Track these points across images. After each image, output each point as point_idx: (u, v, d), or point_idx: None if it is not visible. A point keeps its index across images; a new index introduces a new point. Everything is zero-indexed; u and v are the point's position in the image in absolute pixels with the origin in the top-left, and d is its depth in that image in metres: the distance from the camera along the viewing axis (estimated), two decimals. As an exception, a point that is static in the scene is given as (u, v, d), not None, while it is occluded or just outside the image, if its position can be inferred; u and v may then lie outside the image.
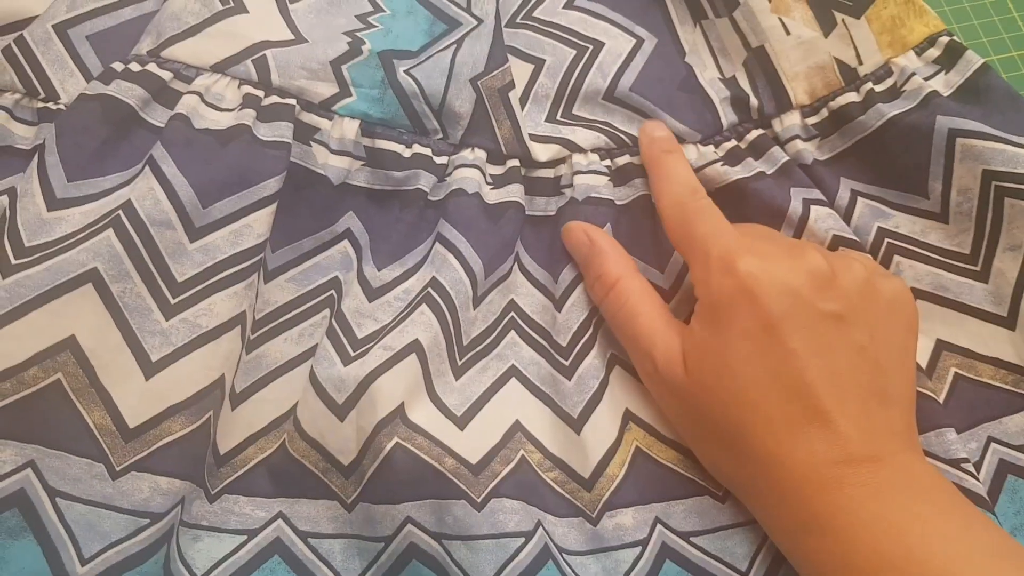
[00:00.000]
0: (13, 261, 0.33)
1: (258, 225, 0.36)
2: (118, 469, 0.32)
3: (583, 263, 0.38)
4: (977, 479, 0.35)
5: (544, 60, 0.43)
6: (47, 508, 0.31)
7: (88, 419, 0.32)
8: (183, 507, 0.34)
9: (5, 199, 0.35)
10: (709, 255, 0.33)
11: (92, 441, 0.32)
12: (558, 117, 0.43)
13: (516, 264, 0.41)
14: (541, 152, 0.41)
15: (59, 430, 0.32)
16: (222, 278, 0.35)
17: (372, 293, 0.38)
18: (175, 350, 0.34)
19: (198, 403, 0.34)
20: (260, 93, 0.38)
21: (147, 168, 0.35)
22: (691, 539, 0.36)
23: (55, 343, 0.32)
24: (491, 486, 0.35)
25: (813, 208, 0.39)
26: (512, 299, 0.40)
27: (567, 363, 0.38)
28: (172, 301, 0.34)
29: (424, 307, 0.36)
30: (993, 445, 0.37)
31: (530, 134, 0.41)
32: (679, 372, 0.33)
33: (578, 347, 0.38)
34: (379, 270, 0.39)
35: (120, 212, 0.34)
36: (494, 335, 0.39)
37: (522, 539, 0.34)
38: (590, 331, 0.39)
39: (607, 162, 0.42)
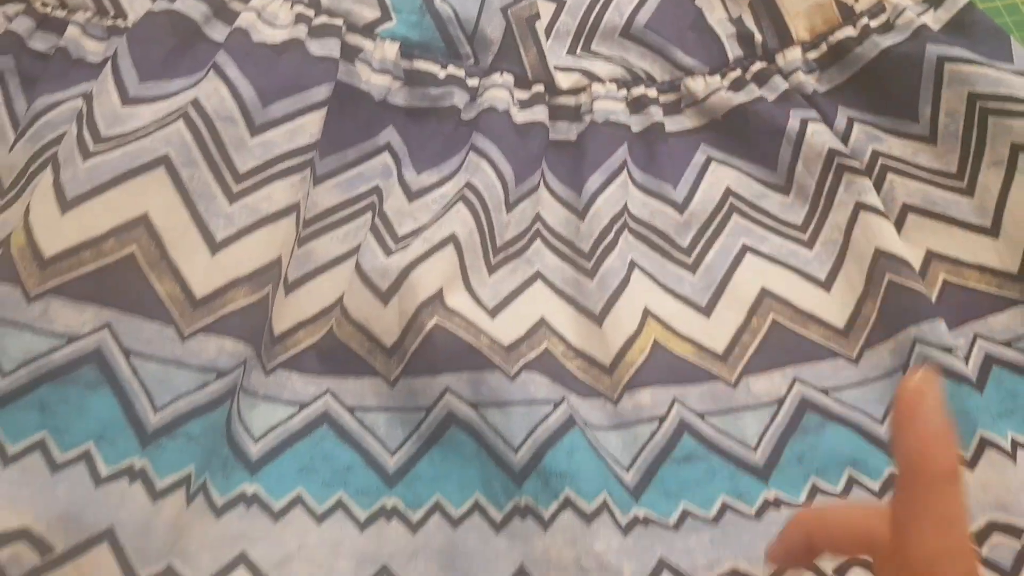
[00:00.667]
0: (92, 148, 0.36)
1: (311, 126, 0.39)
2: (187, 333, 0.35)
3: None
4: (965, 366, 0.38)
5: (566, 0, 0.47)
6: (122, 365, 0.34)
7: (159, 289, 0.35)
8: (244, 373, 0.36)
9: (81, 100, 0.38)
10: None
11: (163, 308, 0.35)
12: (578, 51, 0.46)
13: (542, 180, 0.44)
14: (563, 80, 0.45)
15: (133, 297, 0.35)
16: (280, 170, 0.38)
17: (412, 195, 0.42)
18: (238, 231, 0.37)
19: (259, 278, 0.37)
20: (311, 13, 0.42)
21: (211, 71, 0.38)
22: (705, 418, 0.39)
23: (130, 219, 0.35)
24: (521, 363, 0.38)
25: (810, 124, 0.43)
26: (539, 211, 0.43)
27: (589, 266, 0.42)
28: (235, 189, 0.37)
29: (460, 205, 0.40)
30: (979, 341, 0.40)
31: (553, 65, 0.45)
32: None
33: (599, 250, 0.42)
34: (418, 174, 0.42)
35: (189, 107, 0.37)
36: (523, 241, 0.43)
37: (551, 406, 0.37)
38: (610, 236, 0.42)
39: (623, 92, 0.46)
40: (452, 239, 0.39)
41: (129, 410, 0.33)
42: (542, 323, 0.41)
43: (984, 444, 0.36)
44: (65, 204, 0.34)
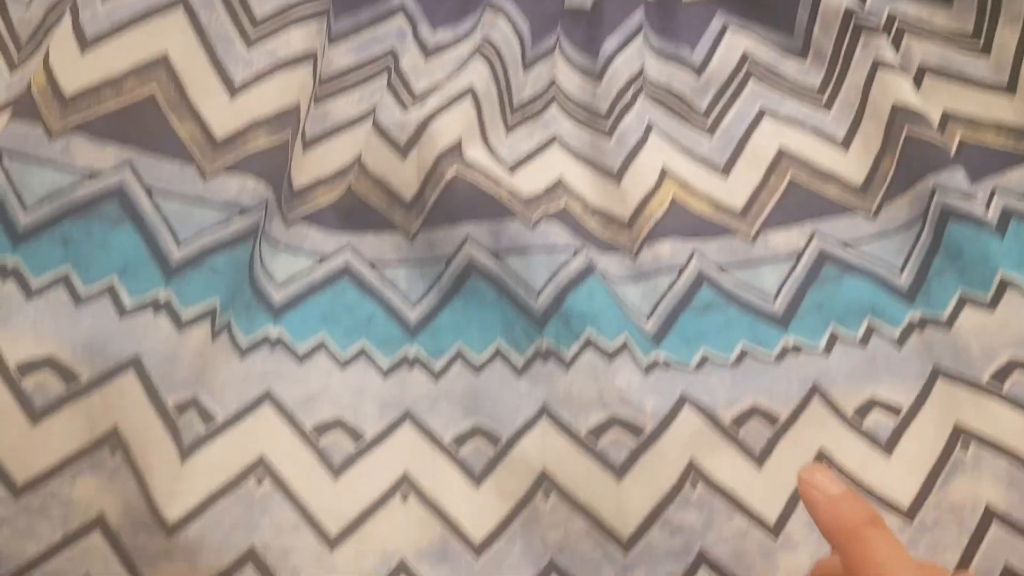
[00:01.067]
0: None
1: None
2: (208, 171, 0.35)
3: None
4: (985, 210, 0.38)
5: None
6: (143, 201, 0.34)
7: (180, 130, 0.35)
8: (265, 219, 0.36)
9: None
10: None
11: (184, 148, 0.35)
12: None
13: (558, 47, 0.44)
14: None
15: (154, 136, 0.35)
16: (296, 17, 0.38)
17: (428, 53, 0.42)
18: (256, 75, 0.37)
19: (278, 121, 0.37)
20: None
21: None
22: (724, 270, 0.39)
23: (149, 59, 0.35)
24: (540, 213, 0.38)
25: None
26: (555, 76, 0.43)
27: (607, 126, 0.42)
28: (252, 34, 0.37)
29: (478, 59, 0.40)
30: (998, 194, 0.40)
31: None
32: None
33: (617, 110, 0.42)
34: (434, 32, 0.42)
35: None
36: (540, 104, 0.42)
37: (571, 252, 0.37)
38: (628, 97, 0.42)
39: None
40: (470, 91, 0.39)
41: (152, 244, 0.33)
42: (559, 183, 0.40)
43: (1005, 285, 0.36)
44: (85, 43, 0.34)
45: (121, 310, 0.32)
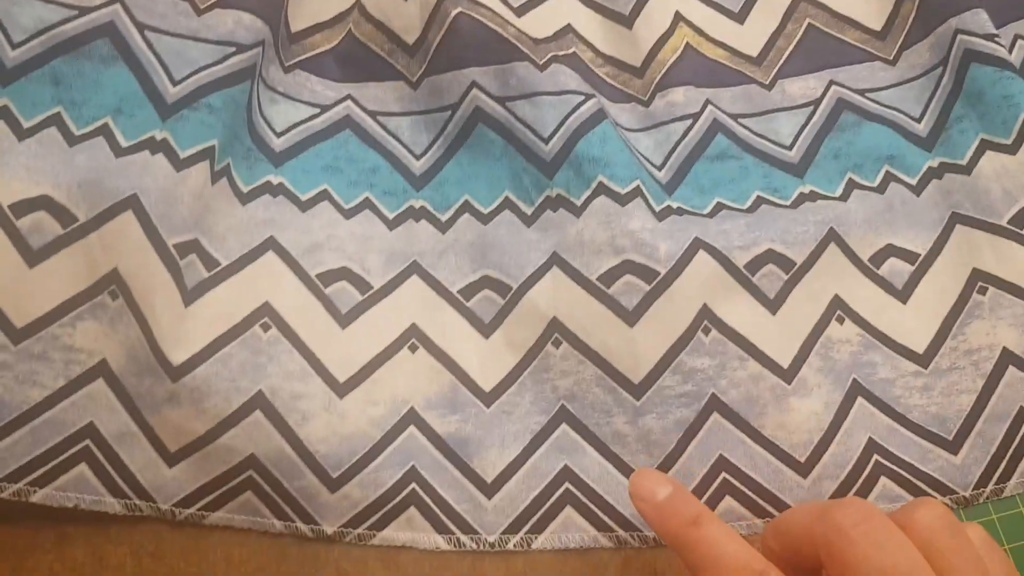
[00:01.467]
0: None
1: None
2: (202, 7, 0.33)
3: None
4: (1008, 53, 0.37)
5: None
6: (136, 39, 0.32)
7: None
8: (263, 62, 0.35)
9: None
10: None
11: None
12: None
13: None
14: None
15: (143, -27, 0.33)
16: None
17: None
18: None
19: None
20: None
21: None
22: (739, 119, 0.38)
23: None
24: (549, 55, 0.36)
25: None
26: None
27: None
28: None
29: None
30: (1020, 41, 0.39)
31: None
32: None
33: None
34: None
35: None
36: None
37: (582, 96, 0.35)
38: None
39: None
40: None
41: (146, 83, 0.32)
42: (569, 29, 0.39)
43: (1030, 126, 0.35)
44: None
45: (117, 149, 0.31)
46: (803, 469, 0.33)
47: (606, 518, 0.33)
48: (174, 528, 0.32)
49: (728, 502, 0.33)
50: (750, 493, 0.33)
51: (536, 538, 0.32)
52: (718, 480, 0.33)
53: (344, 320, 0.34)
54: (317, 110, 0.37)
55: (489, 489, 0.33)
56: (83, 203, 0.30)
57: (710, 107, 0.38)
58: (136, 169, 0.31)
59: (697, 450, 0.33)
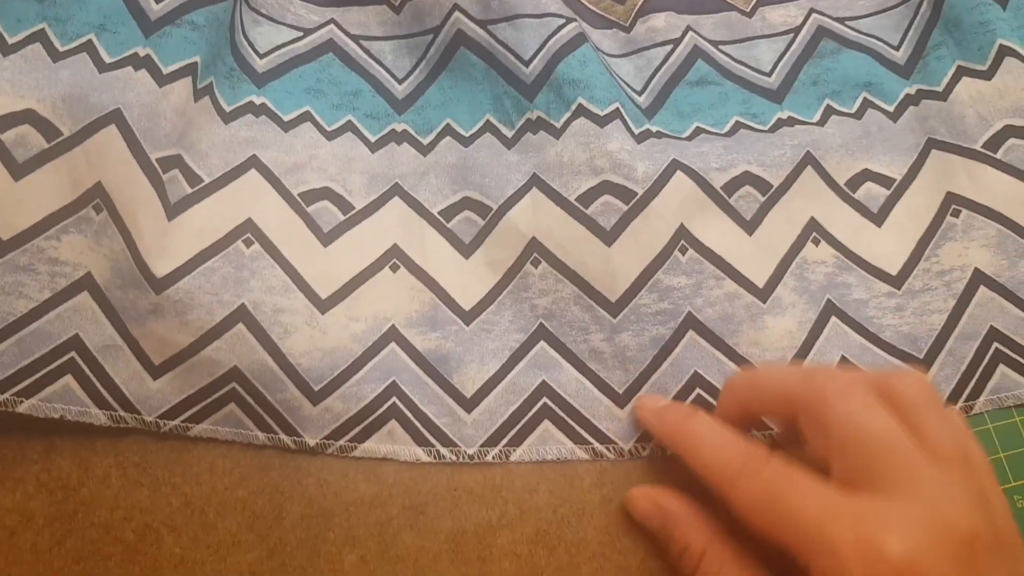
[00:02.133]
0: None
1: None
2: None
3: (661, 536, 0.31)
4: None
5: None
6: None
7: None
8: None
9: None
10: (837, 549, 0.23)
11: None
12: None
13: None
14: None
15: None
16: None
17: None
18: None
19: None
20: None
21: None
22: (719, 46, 0.38)
23: None
24: None
25: None
26: None
27: None
28: None
29: None
30: None
31: None
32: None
33: None
34: None
35: None
36: None
37: (562, 19, 0.35)
38: None
39: None
40: None
41: (130, 0, 0.32)
42: None
43: (1003, 52, 0.35)
44: None
45: (100, 65, 0.31)
46: None
47: (583, 431, 0.33)
48: (159, 440, 0.33)
49: None
50: None
51: (514, 451, 0.33)
52: (692, 395, 0.33)
53: (326, 239, 0.34)
54: (300, 33, 0.36)
55: (468, 404, 0.33)
56: (67, 118, 0.30)
57: (691, 33, 0.38)
58: (119, 84, 0.31)
59: (672, 367, 0.33)
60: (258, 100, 0.35)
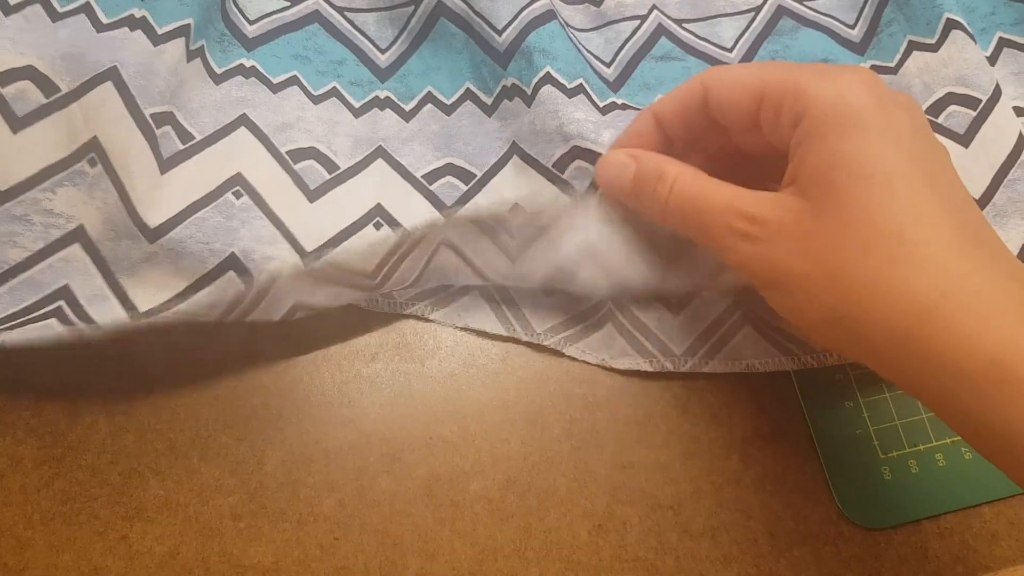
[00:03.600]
0: None
1: None
2: None
3: (636, 182, 0.30)
4: None
5: None
6: None
7: None
8: None
9: None
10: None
11: None
12: None
13: None
14: None
15: None
16: None
17: None
18: None
19: None
20: None
21: None
22: (683, 24, 0.39)
23: None
24: None
25: None
26: None
27: None
28: None
29: None
30: None
31: None
32: (797, 203, 0.24)
33: None
34: None
35: None
36: None
37: None
38: None
39: None
40: None
41: None
42: None
43: (950, 25, 0.36)
44: None
45: (98, 25, 0.32)
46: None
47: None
48: (146, 390, 0.33)
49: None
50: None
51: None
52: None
53: (312, 195, 0.34)
54: (287, 2, 0.37)
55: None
56: (66, 75, 0.31)
57: (655, 12, 0.39)
58: (116, 43, 0.31)
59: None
60: (248, 63, 0.35)
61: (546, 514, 0.32)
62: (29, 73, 0.30)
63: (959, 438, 0.34)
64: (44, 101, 0.31)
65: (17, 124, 0.30)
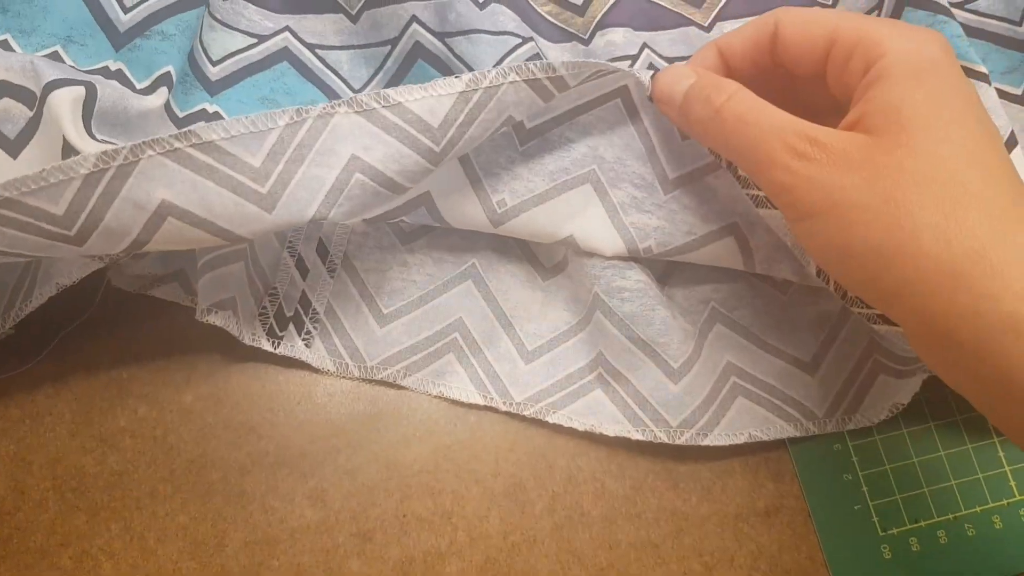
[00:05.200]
0: None
1: None
2: None
3: (692, 91, 0.27)
4: None
5: None
6: None
7: None
8: None
9: None
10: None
11: None
12: None
13: None
14: None
15: None
16: None
17: None
18: None
19: None
20: None
21: None
22: (677, 62, 0.36)
23: None
24: None
25: None
26: None
27: None
28: None
29: None
30: None
31: None
32: (862, 138, 0.23)
33: None
34: None
35: None
36: None
37: (519, 39, 0.32)
38: None
39: None
40: None
41: (97, 12, 0.29)
42: None
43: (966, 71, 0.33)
44: None
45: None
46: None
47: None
48: (97, 463, 0.30)
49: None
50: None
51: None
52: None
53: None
54: (254, 40, 0.33)
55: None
56: (35, 76, 0.27)
57: (647, 51, 0.35)
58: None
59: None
60: (211, 108, 0.32)
61: (527, 599, 0.30)
62: (5, 89, 0.27)
63: (961, 513, 0.31)
64: (30, 114, 0.27)
65: (13, 148, 0.27)
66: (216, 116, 0.32)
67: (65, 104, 0.25)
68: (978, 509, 0.32)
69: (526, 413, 0.31)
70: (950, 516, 0.32)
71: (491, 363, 0.32)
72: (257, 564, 0.29)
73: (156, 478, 0.30)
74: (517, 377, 0.32)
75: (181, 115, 0.31)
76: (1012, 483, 0.32)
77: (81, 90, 0.26)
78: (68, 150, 0.25)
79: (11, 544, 0.29)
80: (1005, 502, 0.32)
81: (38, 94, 0.26)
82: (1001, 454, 0.32)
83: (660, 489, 0.31)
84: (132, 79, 0.29)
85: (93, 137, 0.26)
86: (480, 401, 0.32)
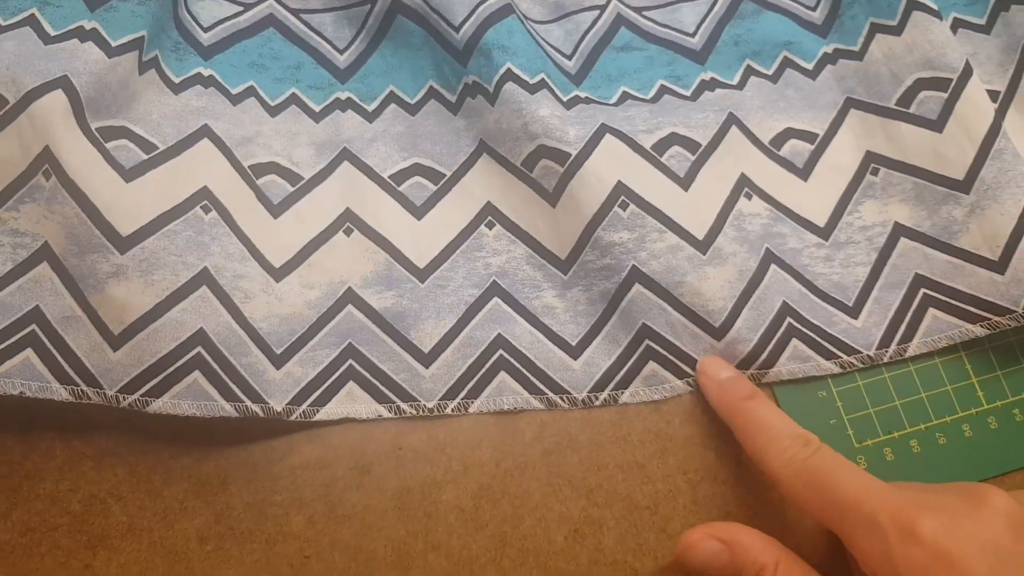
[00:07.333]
0: None
1: None
2: None
3: (729, 570, 0.27)
4: None
5: None
6: None
7: None
8: None
9: None
10: (877, 522, 0.23)
11: None
12: None
13: None
14: None
15: None
16: None
17: None
18: None
19: None
20: None
21: None
22: (643, 12, 0.36)
23: None
24: None
25: None
26: None
27: None
28: None
29: None
30: None
31: None
32: None
33: None
34: None
35: None
36: None
37: None
38: None
39: None
40: None
41: None
42: None
43: (911, 6, 0.33)
44: None
45: (45, 38, 0.28)
46: (718, 333, 0.31)
47: (537, 382, 0.31)
48: (101, 411, 0.30)
49: (651, 367, 0.31)
50: (671, 357, 0.31)
51: (472, 403, 0.30)
52: (641, 347, 0.31)
53: (276, 210, 0.31)
54: (240, 8, 0.33)
55: (426, 358, 0.31)
56: (12, 85, 0.27)
57: (614, 1, 0.35)
58: (66, 55, 0.28)
59: (621, 319, 0.31)
60: (206, 72, 0.32)
61: (521, 521, 0.30)
62: None
63: (932, 423, 0.32)
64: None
65: None
66: (211, 79, 0.32)
67: (55, 114, 0.26)
68: (948, 419, 0.32)
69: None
70: (921, 426, 0.32)
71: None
72: (260, 500, 0.29)
73: (158, 423, 0.30)
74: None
75: (177, 80, 0.31)
76: (980, 393, 0.32)
77: (59, 94, 0.27)
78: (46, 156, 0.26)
79: (21, 492, 0.29)
80: (974, 411, 0.32)
81: (11, 101, 0.27)
82: (968, 366, 0.33)
83: (644, 413, 0.32)
84: (108, 38, 0.29)
85: (90, 130, 0.27)
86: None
